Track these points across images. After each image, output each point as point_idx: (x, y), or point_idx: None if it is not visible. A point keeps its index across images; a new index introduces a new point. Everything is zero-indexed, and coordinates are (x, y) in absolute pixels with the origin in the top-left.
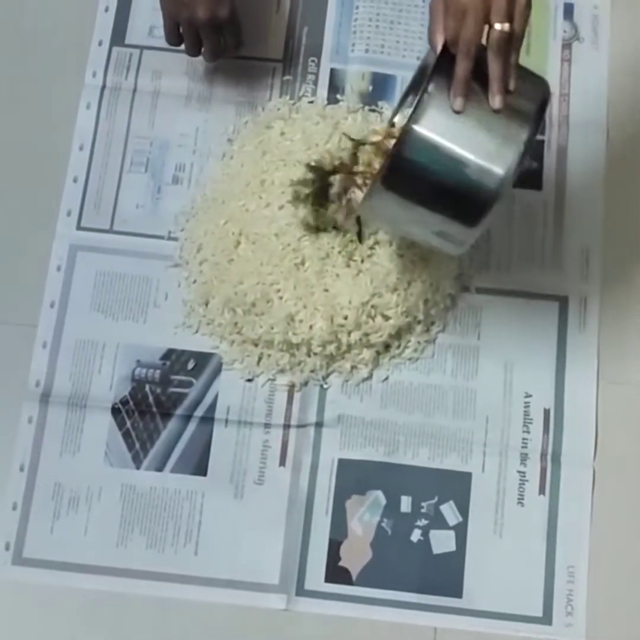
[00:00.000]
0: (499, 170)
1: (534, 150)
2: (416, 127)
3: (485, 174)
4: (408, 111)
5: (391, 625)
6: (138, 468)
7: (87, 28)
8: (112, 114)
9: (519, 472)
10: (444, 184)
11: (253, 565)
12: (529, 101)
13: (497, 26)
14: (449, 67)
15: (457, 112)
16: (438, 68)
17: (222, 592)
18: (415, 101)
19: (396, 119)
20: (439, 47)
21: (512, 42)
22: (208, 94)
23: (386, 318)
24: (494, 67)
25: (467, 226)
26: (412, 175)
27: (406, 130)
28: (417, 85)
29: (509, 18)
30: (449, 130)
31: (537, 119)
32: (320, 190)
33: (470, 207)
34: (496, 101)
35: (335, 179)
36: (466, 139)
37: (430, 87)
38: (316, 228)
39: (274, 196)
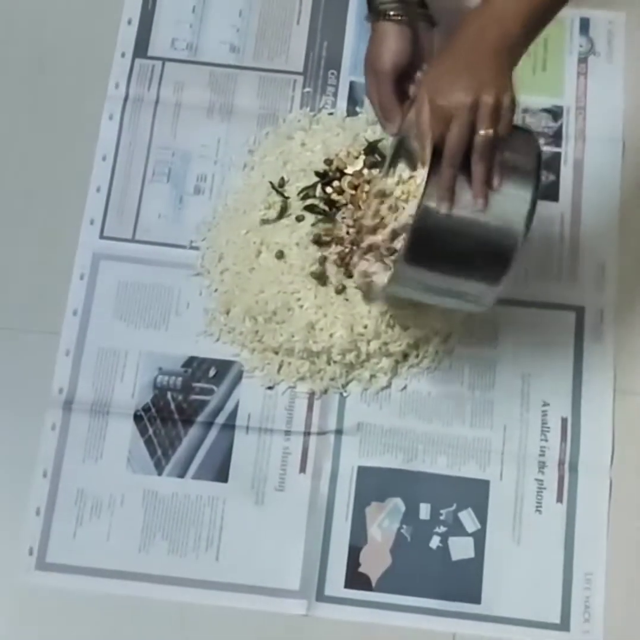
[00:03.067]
0: (516, 227)
1: (550, 162)
2: (428, 204)
3: (503, 234)
4: (401, 171)
5: (410, 631)
6: (160, 474)
7: (110, 40)
8: (135, 124)
9: (536, 480)
10: (464, 249)
11: (273, 571)
12: (526, 160)
13: (482, 132)
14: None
15: (445, 214)
16: (434, 159)
17: (243, 597)
18: (423, 182)
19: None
20: (428, 149)
21: (496, 145)
22: (229, 105)
23: (405, 328)
24: (477, 170)
25: (491, 285)
26: (432, 247)
27: (418, 208)
28: (400, 148)
29: (495, 123)
30: (458, 202)
31: (537, 172)
32: (328, 202)
33: (493, 266)
34: (479, 203)
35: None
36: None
37: (433, 172)
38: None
39: (294, 206)
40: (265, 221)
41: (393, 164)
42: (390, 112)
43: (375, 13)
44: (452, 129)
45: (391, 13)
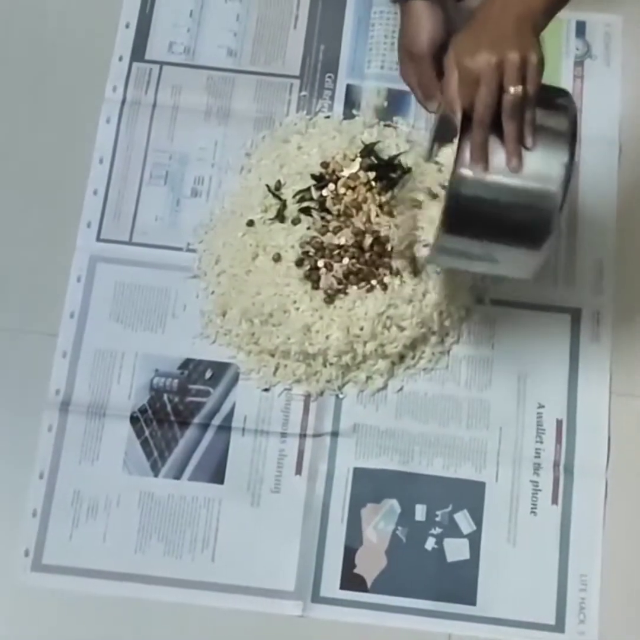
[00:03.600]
0: (552, 188)
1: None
2: (461, 170)
3: (541, 196)
4: (446, 149)
5: (406, 632)
6: (156, 476)
7: (107, 44)
8: (132, 128)
9: (532, 481)
10: (503, 214)
11: (269, 572)
12: (561, 120)
13: (511, 90)
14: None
15: (480, 180)
16: (465, 124)
17: (239, 598)
18: (455, 149)
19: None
20: (458, 115)
21: (526, 103)
22: (227, 109)
23: (401, 329)
24: (509, 130)
25: (534, 249)
26: (470, 214)
27: (453, 176)
28: (443, 126)
29: (522, 81)
30: (492, 165)
31: (572, 135)
32: (321, 205)
33: (533, 230)
34: (512, 162)
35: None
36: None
37: (465, 138)
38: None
39: (290, 209)
40: (251, 223)
41: (435, 144)
42: (431, 90)
43: None
44: (481, 90)
45: None
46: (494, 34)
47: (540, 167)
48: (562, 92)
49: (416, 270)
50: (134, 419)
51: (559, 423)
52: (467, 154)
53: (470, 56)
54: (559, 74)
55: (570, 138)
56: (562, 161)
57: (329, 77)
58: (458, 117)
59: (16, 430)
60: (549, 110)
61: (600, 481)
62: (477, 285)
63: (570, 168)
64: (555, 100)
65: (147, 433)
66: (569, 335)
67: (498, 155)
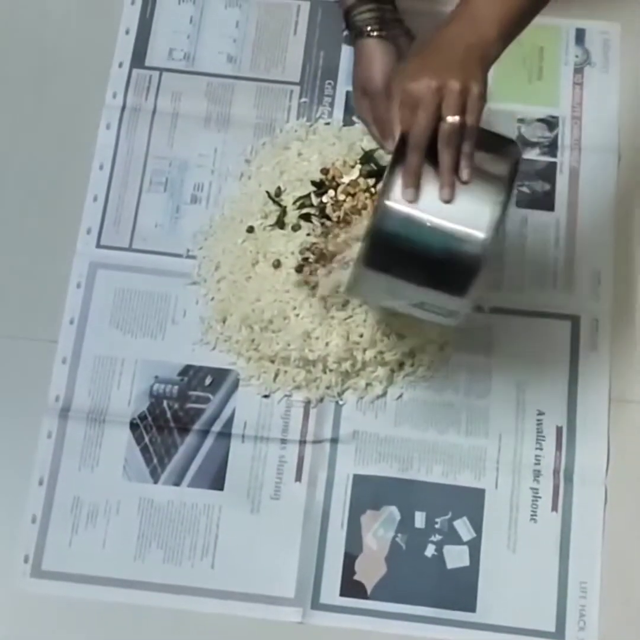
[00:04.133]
0: (479, 234)
1: (545, 172)
2: (387, 202)
3: (466, 240)
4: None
5: (405, 638)
6: (156, 482)
7: (107, 50)
8: (132, 134)
9: (531, 488)
10: (426, 255)
11: (269, 579)
12: (501, 165)
13: (449, 119)
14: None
15: (409, 201)
16: (399, 152)
17: (238, 605)
18: (383, 180)
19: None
20: (396, 136)
21: (464, 134)
22: (226, 115)
23: (401, 336)
24: (443, 159)
25: (456, 296)
26: (392, 250)
27: (378, 207)
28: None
29: (461, 111)
30: (422, 202)
31: (510, 182)
32: (321, 212)
33: (456, 276)
34: (444, 193)
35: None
36: (441, 209)
37: (397, 165)
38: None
39: (290, 215)
40: (250, 229)
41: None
42: (387, 129)
43: (356, 31)
44: (419, 114)
45: (370, 28)
46: (440, 60)
47: (470, 210)
48: (509, 141)
49: None
50: (133, 426)
51: (558, 430)
52: (395, 185)
53: (413, 80)
54: (558, 81)
55: (507, 185)
56: (494, 208)
57: (329, 83)
58: (395, 141)
59: (16, 436)
60: (491, 154)
61: (600, 488)
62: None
63: (503, 216)
64: (501, 147)
65: (146, 439)
66: (568, 342)
67: (429, 192)
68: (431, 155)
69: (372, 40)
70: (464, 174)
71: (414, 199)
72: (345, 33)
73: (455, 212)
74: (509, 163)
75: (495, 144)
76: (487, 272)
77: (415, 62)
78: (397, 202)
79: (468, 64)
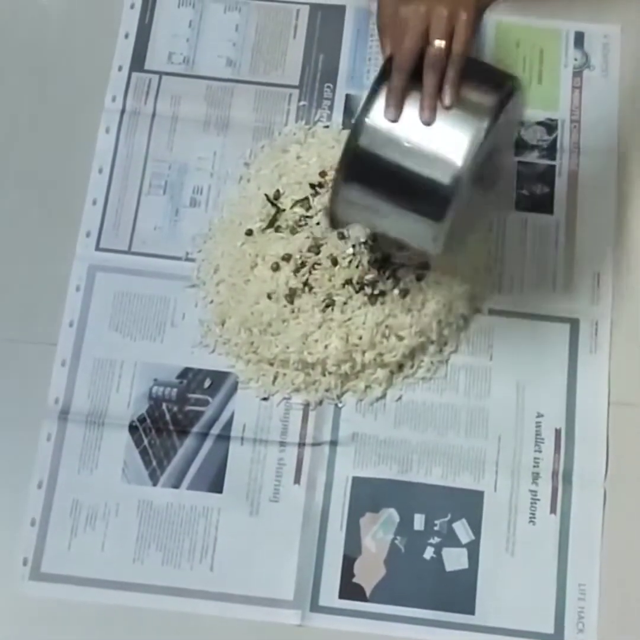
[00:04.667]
0: (454, 159)
1: (544, 175)
2: (366, 119)
3: (441, 165)
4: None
5: None
6: (155, 485)
7: (107, 54)
8: (131, 137)
9: (530, 491)
10: (402, 175)
11: (268, 581)
12: (490, 95)
13: (435, 43)
14: None
15: (391, 121)
16: (386, 70)
17: (237, 607)
18: (365, 96)
19: None
20: (385, 57)
21: (449, 59)
22: (226, 118)
23: (400, 338)
24: (427, 83)
25: (433, 220)
26: (369, 166)
27: (357, 122)
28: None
29: (448, 36)
30: (402, 121)
31: (496, 111)
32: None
33: (431, 199)
34: (424, 115)
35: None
36: (420, 131)
37: (381, 85)
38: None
39: (289, 218)
40: (249, 232)
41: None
42: None
43: None
44: (405, 36)
45: None
46: None
47: (450, 135)
48: (506, 75)
49: (418, 277)
50: (132, 428)
51: (557, 432)
52: (376, 104)
53: (404, 3)
54: (558, 84)
55: (493, 114)
56: (475, 134)
57: (328, 87)
58: (384, 56)
59: (15, 439)
60: (483, 85)
61: (599, 490)
62: (475, 295)
63: (484, 144)
64: (495, 79)
65: (146, 442)
66: (568, 344)
67: (410, 116)
68: (417, 82)
69: None
70: (446, 99)
71: (394, 118)
72: None
73: (434, 136)
74: (499, 93)
75: (491, 76)
76: (471, 198)
77: None
78: (376, 119)
79: None
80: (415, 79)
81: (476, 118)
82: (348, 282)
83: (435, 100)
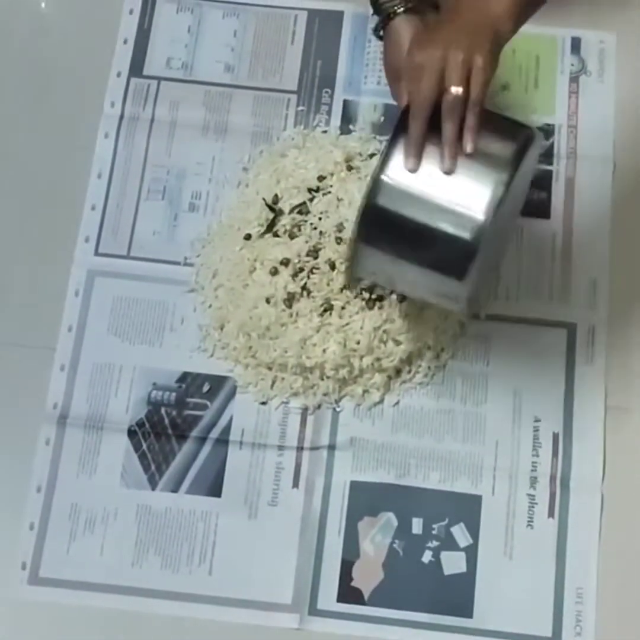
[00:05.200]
0: (477, 215)
1: (541, 180)
2: (383, 176)
3: (463, 221)
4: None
5: None
6: (153, 489)
7: (106, 59)
8: (130, 143)
9: (528, 495)
10: (423, 232)
11: (266, 585)
12: (509, 146)
13: (452, 90)
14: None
15: (411, 171)
16: (402, 122)
17: (236, 611)
18: (381, 153)
19: None
20: (402, 105)
21: (467, 106)
22: (224, 124)
23: (397, 343)
24: (446, 130)
25: (455, 279)
26: (388, 225)
27: (375, 180)
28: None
29: (465, 82)
30: (420, 176)
31: (515, 164)
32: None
33: (453, 257)
34: (446, 164)
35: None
36: (439, 186)
37: (397, 139)
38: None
39: (287, 223)
40: (248, 237)
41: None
42: None
43: (384, 15)
44: (422, 84)
45: (400, 10)
46: (448, 32)
47: (470, 189)
48: (523, 126)
49: None
50: (131, 433)
51: (555, 437)
52: (393, 159)
53: (420, 50)
54: (554, 90)
55: (512, 166)
56: (496, 188)
57: (326, 92)
58: (400, 107)
59: (14, 443)
60: (500, 136)
61: (596, 495)
62: (472, 301)
63: (505, 197)
64: (512, 130)
65: (144, 446)
66: (565, 349)
67: (429, 168)
68: (435, 132)
69: (400, 19)
70: (468, 146)
71: (414, 168)
72: (372, 26)
73: (454, 190)
74: (517, 144)
75: (507, 127)
76: (491, 255)
77: (424, 34)
78: (393, 176)
79: (475, 36)
80: (429, 130)
81: (497, 169)
82: (346, 286)
83: (455, 148)
